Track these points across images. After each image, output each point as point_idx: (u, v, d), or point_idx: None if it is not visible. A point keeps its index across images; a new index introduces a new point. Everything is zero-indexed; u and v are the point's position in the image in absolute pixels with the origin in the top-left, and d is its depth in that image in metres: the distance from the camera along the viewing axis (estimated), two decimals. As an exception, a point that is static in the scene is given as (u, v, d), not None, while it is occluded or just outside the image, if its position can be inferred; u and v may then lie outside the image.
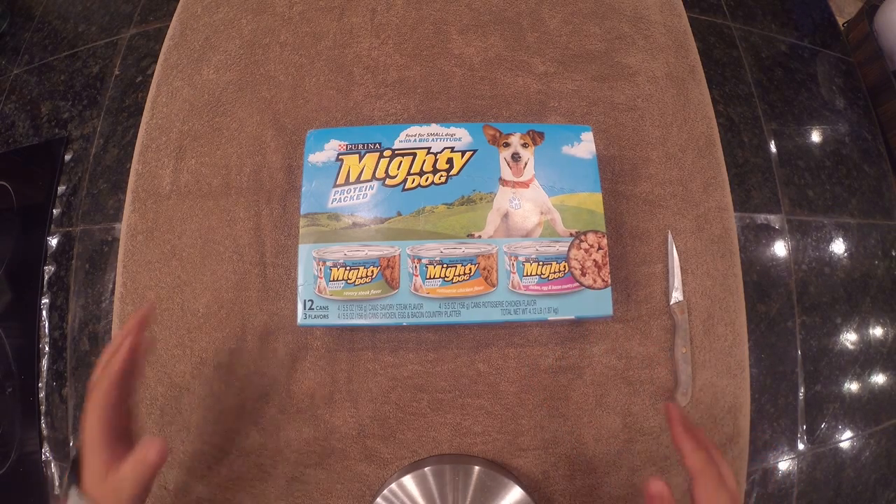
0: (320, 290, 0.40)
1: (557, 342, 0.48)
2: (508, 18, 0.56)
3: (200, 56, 0.55)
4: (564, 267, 0.41)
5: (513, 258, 0.41)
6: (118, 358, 0.33)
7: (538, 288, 0.40)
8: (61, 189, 0.68)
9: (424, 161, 0.42)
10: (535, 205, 0.42)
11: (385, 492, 0.42)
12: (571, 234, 0.42)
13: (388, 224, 0.41)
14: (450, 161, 0.43)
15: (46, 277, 0.64)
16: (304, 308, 0.40)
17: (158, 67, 0.55)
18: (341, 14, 0.56)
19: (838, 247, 0.69)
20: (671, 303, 0.49)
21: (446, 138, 0.43)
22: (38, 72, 0.77)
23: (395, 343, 0.47)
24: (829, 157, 0.72)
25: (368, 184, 0.42)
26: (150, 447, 0.32)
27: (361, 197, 0.42)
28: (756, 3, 0.79)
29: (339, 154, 0.43)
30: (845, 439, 0.63)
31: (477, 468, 0.43)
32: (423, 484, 0.42)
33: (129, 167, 0.52)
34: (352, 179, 0.42)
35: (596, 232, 0.42)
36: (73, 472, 0.32)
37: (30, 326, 0.63)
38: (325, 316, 0.40)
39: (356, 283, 0.40)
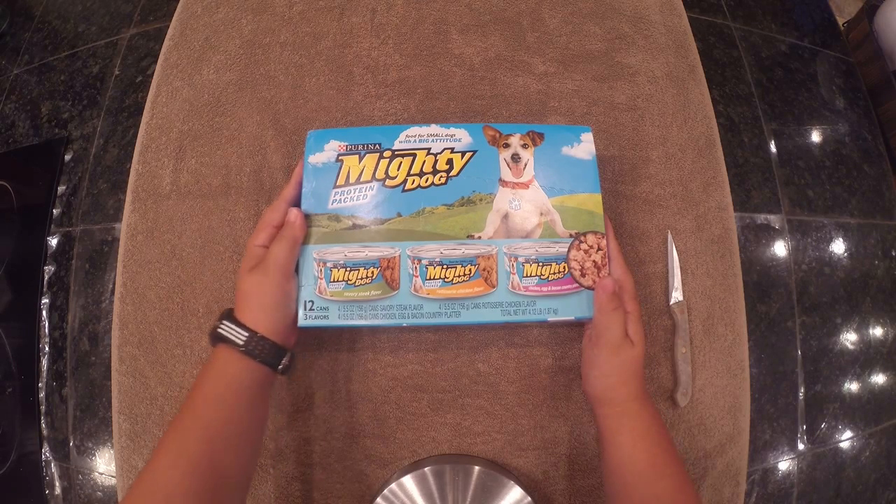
0: (321, 290, 0.40)
1: (557, 342, 0.48)
2: (508, 18, 0.56)
3: (200, 56, 0.55)
4: (564, 268, 0.41)
5: (512, 259, 0.41)
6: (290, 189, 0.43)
7: (538, 289, 0.40)
8: (61, 189, 0.68)
9: (424, 162, 0.42)
10: (534, 206, 0.42)
11: (385, 492, 0.42)
12: (571, 235, 0.42)
13: (388, 225, 0.41)
14: (450, 162, 0.43)
15: (46, 277, 0.64)
16: (305, 309, 0.40)
17: (158, 67, 0.55)
18: (341, 14, 0.56)
19: (838, 247, 0.69)
20: (671, 303, 0.49)
21: (446, 139, 0.43)
22: (38, 72, 0.77)
23: (394, 343, 0.47)
24: (829, 157, 0.72)
25: (368, 185, 0.42)
26: (291, 212, 0.40)
27: (361, 198, 0.42)
28: (756, 3, 0.79)
29: (338, 155, 0.43)
30: (845, 439, 0.63)
31: (477, 468, 0.43)
32: (423, 484, 0.42)
33: (129, 167, 0.52)
34: (352, 180, 0.42)
35: (595, 233, 0.42)
36: (226, 314, 0.38)
37: (30, 326, 0.63)
38: (325, 317, 0.40)
39: (356, 283, 0.40)
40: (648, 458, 0.37)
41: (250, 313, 0.37)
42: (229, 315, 0.38)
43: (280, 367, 0.38)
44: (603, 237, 0.42)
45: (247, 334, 0.36)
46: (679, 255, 0.50)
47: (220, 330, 0.37)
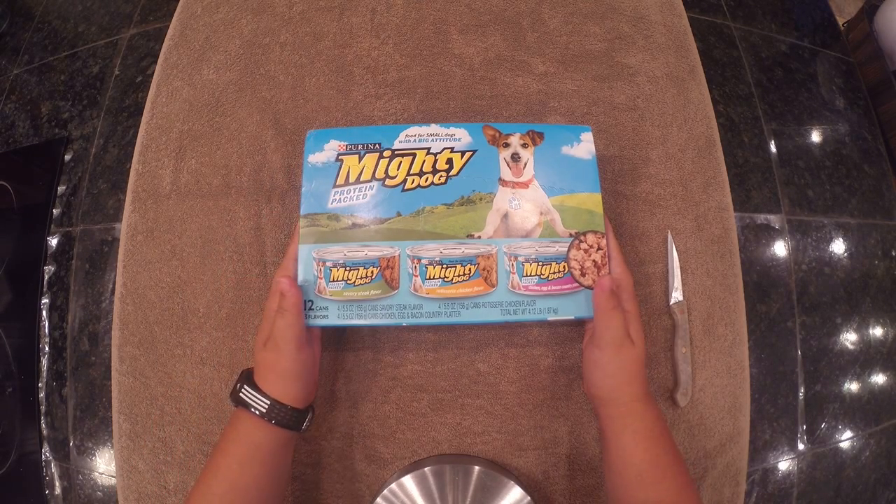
0: (320, 290, 0.40)
1: (557, 342, 0.48)
2: (508, 18, 0.56)
3: (200, 56, 0.55)
4: (564, 267, 0.41)
5: (512, 258, 0.41)
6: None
7: (538, 288, 0.40)
8: (61, 189, 0.68)
9: (424, 161, 0.42)
10: (534, 205, 0.42)
11: (385, 492, 0.42)
12: (571, 235, 0.42)
13: (387, 224, 0.41)
14: (449, 161, 0.43)
15: (46, 277, 0.64)
16: (305, 308, 0.40)
17: (158, 67, 0.55)
18: (341, 14, 0.56)
19: (838, 247, 0.69)
20: (671, 303, 0.49)
21: (446, 138, 0.43)
22: (38, 72, 0.77)
23: (394, 343, 0.47)
24: (829, 157, 0.72)
25: (368, 184, 0.42)
26: (280, 283, 0.38)
27: (361, 197, 0.42)
28: (756, 3, 0.79)
29: (338, 154, 0.43)
30: (845, 439, 0.63)
31: (477, 468, 0.43)
32: (423, 484, 0.42)
33: (129, 167, 0.52)
34: (351, 180, 0.42)
35: (595, 232, 0.42)
36: (244, 378, 0.39)
37: (30, 326, 0.63)
38: (325, 316, 0.40)
39: (356, 283, 0.40)
40: (651, 458, 0.37)
41: (271, 385, 0.37)
42: (249, 378, 0.38)
43: (303, 428, 0.39)
44: (603, 236, 0.42)
45: (268, 402, 0.37)
46: (679, 255, 0.50)
47: (241, 395, 0.37)
